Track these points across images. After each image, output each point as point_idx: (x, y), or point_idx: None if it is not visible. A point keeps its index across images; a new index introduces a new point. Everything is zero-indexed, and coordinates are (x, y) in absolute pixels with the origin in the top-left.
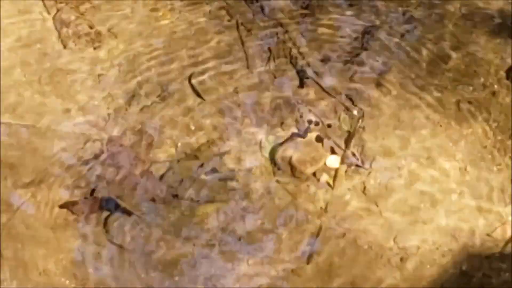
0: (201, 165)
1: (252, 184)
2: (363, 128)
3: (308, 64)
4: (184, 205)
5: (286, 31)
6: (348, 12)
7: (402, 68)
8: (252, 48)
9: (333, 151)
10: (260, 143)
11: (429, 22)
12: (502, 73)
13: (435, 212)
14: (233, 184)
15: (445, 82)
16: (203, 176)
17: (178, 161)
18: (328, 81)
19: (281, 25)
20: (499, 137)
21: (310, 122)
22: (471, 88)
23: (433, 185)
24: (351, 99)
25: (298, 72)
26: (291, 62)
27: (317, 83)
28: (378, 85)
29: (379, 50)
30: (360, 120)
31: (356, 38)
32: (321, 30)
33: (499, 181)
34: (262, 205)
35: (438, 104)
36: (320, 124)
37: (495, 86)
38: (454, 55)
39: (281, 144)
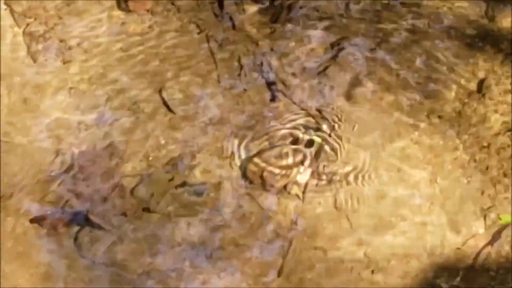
0: (172, 179)
1: (223, 198)
2: (334, 141)
3: (279, 77)
4: (154, 219)
5: (257, 45)
6: (319, 26)
7: (373, 82)
8: (223, 61)
9: (303, 165)
10: (231, 156)
11: (399, 36)
12: (473, 86)
13: (406, 225)
14: (204, 197)
15: (415, 95)
16: (173, 190)
17: (149, 175)
18: (299, 94)
19: (252, 38)
20: (469, 150)
21: (281, 135)
22: (441, 101)
23: (404, 198)
24: (321, 113)
25: (268, 86)
26: (261, 76)
27: (288, 96)
28: (349, 98)
29: (349, 63)
30: (330, 134)
31: (326, 52)
32: (292, 43)
33: (470, 193)
34: (233, 218)
35: (409, 117)
36: (291, 137)
37: (466, 99)
38: (424, 68)
39: (252, 157)
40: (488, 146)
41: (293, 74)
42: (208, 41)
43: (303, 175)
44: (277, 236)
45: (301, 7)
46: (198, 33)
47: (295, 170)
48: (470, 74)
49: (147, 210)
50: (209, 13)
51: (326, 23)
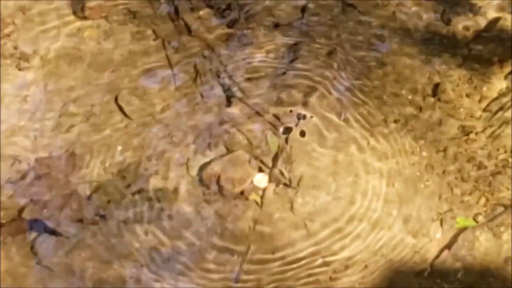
0: (129, 185)
1: (180, 204)
2: (291, 146)
3: (235, 83)
4: (112, 225)
5: (213, 50)
6: (275, 31)
7: (328, 87)
8: (179, 67)
9: (260, 170)
10: (188, 162)
11: (355, 41)
12: (429, 90)
13: (363, 230)
14: (161, 204)
15: (371, 99)
16: (130, 197)
17: (106, 181)
18: (255, 99)
19: (208, 43)
20: (426, 154)
21: (237, 141)
22: (398, 105)
23: (361, 202)
24: (278, 118)
25: (225, 91)
26: (218, 81)
27: (244, 102)
28: (305, 104)
29: (305, 68)
30: (287, 139)
31: (282, 57)
32: (248, 48)
33: (427, 197)
34: (190, 225)
35: (365, 121)
36: (247, 143)
37: (422, 104)
38: (380, 72)
39: (209, 163)
40: (445, 150)
41: (250, 79)
42: (164, 47)
43: (260, 180)
44: (235, 241)
45: (257, 13)
46: (154, 40)
47: (252, 176)
48: (426, 79)
49: (103, 217)
50: (165, 19)
51: (282, 28)
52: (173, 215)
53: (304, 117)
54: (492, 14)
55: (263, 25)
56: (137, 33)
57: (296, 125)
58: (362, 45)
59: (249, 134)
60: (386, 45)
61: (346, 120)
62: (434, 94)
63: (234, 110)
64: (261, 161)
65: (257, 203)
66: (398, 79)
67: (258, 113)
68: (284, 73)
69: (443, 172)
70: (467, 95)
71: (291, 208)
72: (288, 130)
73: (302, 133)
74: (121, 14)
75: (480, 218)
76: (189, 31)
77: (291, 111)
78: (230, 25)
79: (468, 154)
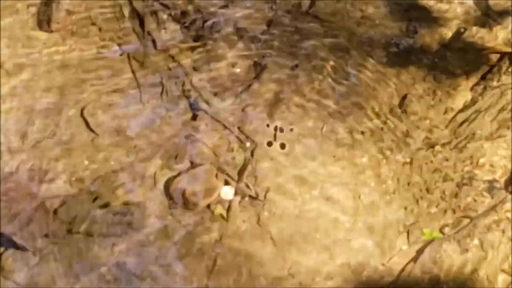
0: (95, 199)
1: (147, 218)
2: (257, 159)
3: (201, 96)
4: (78, 240)
5: (178, 64)
6: (239, 44)
7: (294, 99)
8: (145, 81)
9: (227, 183)
10: (154, 176)
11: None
12: (395, 102)
13: (330, 242)
14: (127, 218)
15: (338, 111)
16: (97, 211)
17: (72, 195)
18: (221, 113)
19: (173, 57)
20: (392, 166)
21: (203, 154)
22: (364, 117)
23: (327, 215)
24: (243, 131)
25: (191, 105)
26: (184, 95)
27: (210, 115)
28: (271, 115)
29: (271, 81)
30: (253, 152)
31: (248, 70)
32: (213, 62)
33: (393, 210)
34: (157, 239)
35: (331, 133)
36: (214, 156)
37: (388, 116)
38: (346, 83)
39: (175, 177)
40: (411, 162)
41: (215, 93)
42: (130, 61)
43: (226, 193)
44: (202, 255)
45: (222, 27)
46: (120, 54)
47: (218, 189)
48: (392, 91)
49: (70, 231)
50: (130, 33)
51: (247, 42)
52: (139, 229)
53: (269, 130)
54: (456, 26)
55: (229, 39)
56: (103, 47)
57: (263, 137)
58: (328, 57)
59: (215, 147)
60: (353, 59)
61: (312, 132)
62: (400, 106)
63: (200, 123)
64: (227, 174)
65: (223, 216)
66: (364, 92)
67: (224, 126)
68: (250, 86)
69: (409, 184)
70: (433, 107)
71: (258, 221)
72: (254, 143)
73: (268, 146)
74: (86, 28)
75: (447, 230)
76: (155, 45)
77: (267, 125)
78: (196, 39)
79: (434, 166)
